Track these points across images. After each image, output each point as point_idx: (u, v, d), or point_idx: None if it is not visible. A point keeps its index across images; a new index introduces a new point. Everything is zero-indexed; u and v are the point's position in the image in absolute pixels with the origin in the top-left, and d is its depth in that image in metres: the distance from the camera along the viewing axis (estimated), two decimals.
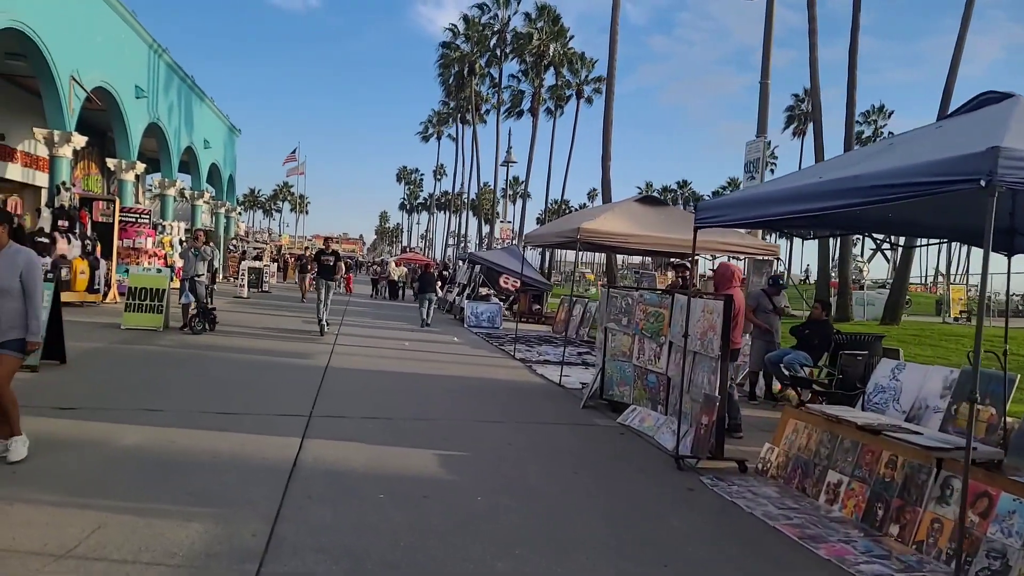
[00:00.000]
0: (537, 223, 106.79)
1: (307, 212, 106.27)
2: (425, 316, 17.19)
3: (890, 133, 75.20)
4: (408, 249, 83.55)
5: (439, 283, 23.16)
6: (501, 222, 34.45)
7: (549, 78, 49.52)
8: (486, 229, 61.94)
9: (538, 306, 21.93)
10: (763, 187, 6.25)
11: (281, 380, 8.38)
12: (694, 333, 6.13)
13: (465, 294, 20.30)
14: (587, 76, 51.85)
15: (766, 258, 10.47)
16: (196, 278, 12.39)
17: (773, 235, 10.84)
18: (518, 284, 22.34)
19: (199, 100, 25.69)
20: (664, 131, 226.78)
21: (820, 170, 5.27)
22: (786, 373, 8.09)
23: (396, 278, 29.87)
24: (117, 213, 16.17)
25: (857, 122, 74.62)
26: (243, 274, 21.64)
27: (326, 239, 15.22)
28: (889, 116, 70.18)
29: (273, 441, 5.53)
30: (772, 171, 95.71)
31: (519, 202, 61.27)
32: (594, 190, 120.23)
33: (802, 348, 8.78)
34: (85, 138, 15.42)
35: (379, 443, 5.76)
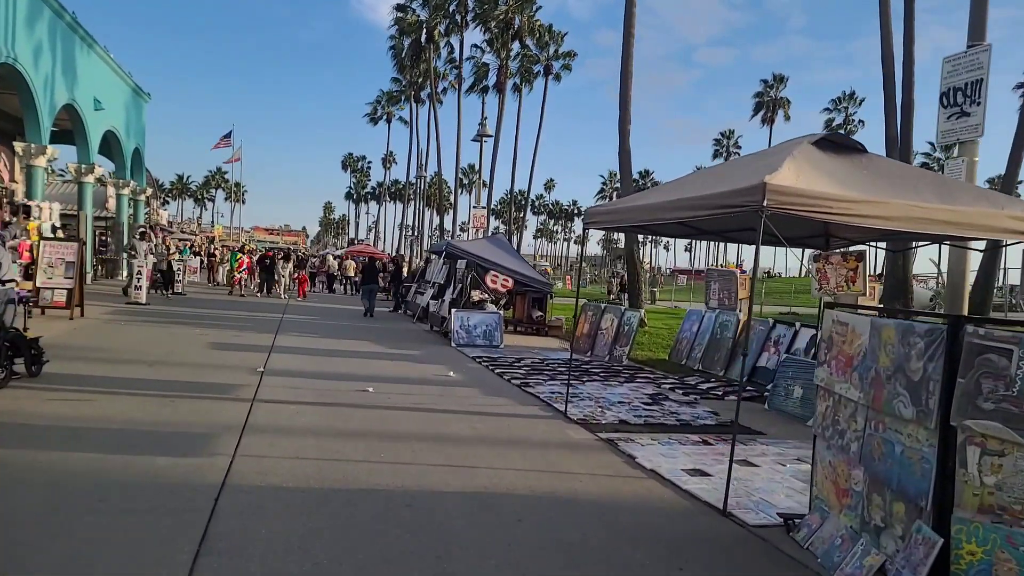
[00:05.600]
0: (494, 216, 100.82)
1: (244, 201, 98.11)
2: (368, 306, 18.44)
3: (861, 121, 72.79)
4: (356, 241, 77.19)
5: (388, 277, 24.70)
6: (474, 207, 29.12)
7: (514, 52, 44.33)
8: (447, 219, 56.49)
9: (540, 313, 16.86)
10: None
11: (106, 554, 3.09)
12: None
13: (448, 299, 15.02)
14: (556, 51, 46.90)
15: None
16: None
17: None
18: (510, 283, 17.21)
19: (86, 47, 19.44)
20: (611, 124, 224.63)
21: None
22: None
23: (336, 272, 32.70)
24: None
25: (827, 109, 71.84)
26: (139, 274, 15.80)
27: None
28: (860, 104, 67.68)
29: None
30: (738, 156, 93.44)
31: (483, 189, 55.84)
32: (551, 180, 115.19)
33: None
34: None
35: None
